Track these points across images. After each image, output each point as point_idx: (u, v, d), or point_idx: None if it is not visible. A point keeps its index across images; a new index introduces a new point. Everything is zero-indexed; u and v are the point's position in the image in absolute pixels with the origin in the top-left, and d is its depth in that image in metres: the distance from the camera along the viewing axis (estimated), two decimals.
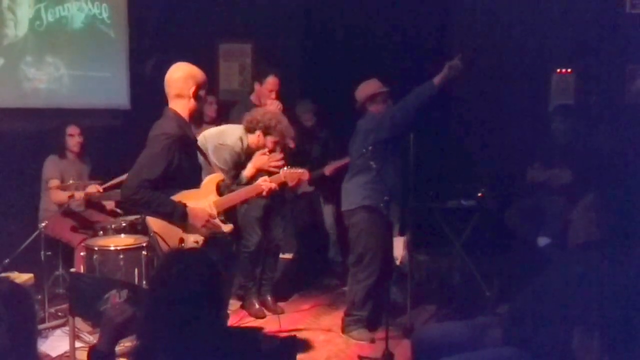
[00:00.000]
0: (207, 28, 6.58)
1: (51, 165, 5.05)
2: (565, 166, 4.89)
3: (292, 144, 4.95)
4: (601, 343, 2.63)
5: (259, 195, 3.80)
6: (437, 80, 4.19)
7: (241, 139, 4.13)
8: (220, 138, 4.12)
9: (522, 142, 5.41)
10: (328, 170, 5.64)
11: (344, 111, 5.07)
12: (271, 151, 4.11)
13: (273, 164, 3.97)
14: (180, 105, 3.29)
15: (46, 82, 5.55)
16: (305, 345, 4.38)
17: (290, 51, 6.51)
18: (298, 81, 6.35)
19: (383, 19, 6.15)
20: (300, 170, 3.93)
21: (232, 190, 3.67)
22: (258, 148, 4.15)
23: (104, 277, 3.89)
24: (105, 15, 6.11)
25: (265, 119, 4.10)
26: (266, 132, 4.11)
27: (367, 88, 4.57)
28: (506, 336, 3.06)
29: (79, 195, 4.92)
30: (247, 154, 4.15)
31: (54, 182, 4.94)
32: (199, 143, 3.81)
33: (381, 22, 6.16)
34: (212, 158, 3.91)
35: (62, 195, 4.88)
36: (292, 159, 5.32)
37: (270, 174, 3.98)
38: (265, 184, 3.74)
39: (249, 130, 4.15)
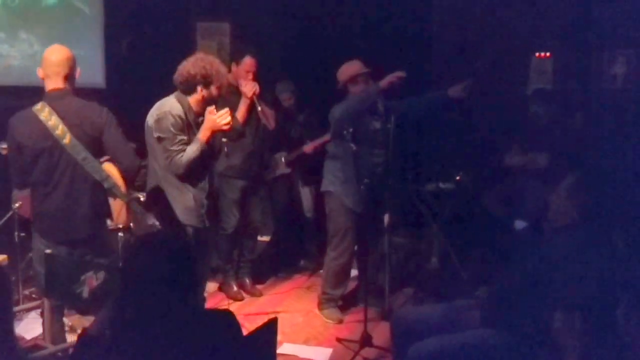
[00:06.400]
0: (184, 5, 6.46)
1: None
2: (543, 150, 4.91)
3: (271, 125, 4.90)
4: (582, 324, 2.67)
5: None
6: (383, 83, 4.31)
7: (179, 102, 3.68)
8: (158, 110, 3.68)
9: (501, 125, 5.42)
10: (308, 148, 5.59)
11: (324, 91, 5.04)
12: (218, 97, 3.71)
13: (223, 122, 3.63)
14: (70, 85, 3.45)
15: (19, 59, 5.44)
16: (284, 328, 4.38)
17: (269, 30, 6.42)
18: (277, 61, 6.28)
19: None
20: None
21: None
22: (205, 106, 3.69)
23: (80, 259, 3.83)
24: None
25: (198, 69, 3.61)
26: (207, 83, 3.64)
27: (349, 69, 4.57)
28: (485, 318, 3.10)
29: None
30: (198, 115, 3.72)
31: None
32: (147, 129, 3.69)
33: (362, 2, 6.11)
34: (156, 133, 3.61)
35: None
36: (271, 140, 5.32)
37: (226, 133, 3.83)
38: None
39: (187, 91, 3.66)
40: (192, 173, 3.66)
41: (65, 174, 3.37)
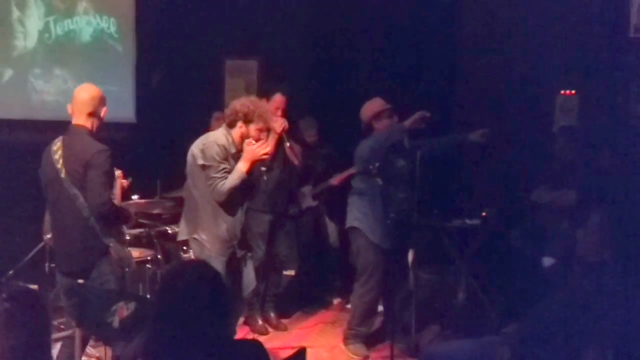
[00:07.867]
0: (213, 43, 6.61)
1: None
2: (569, 187, 4.90)
3: (297, 161, 4.96)
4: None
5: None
6: (407, 123, 4.40)
7: (225, 136, 3.93)
8: (204, 140, 3.94)
9: (527, 162, 5.42)
10: (335, 180, 5.64)
11: (349, 127, 5.11)
12: (257, 139, 3.91)
13: (262, 152, 3.85)
14: (90, 122, 3.55)
15: (54, 94, 5.59)
16: None
17: (296, 67, 6.54)
18: (303, 97, 6.37)
19: (389, 37, 6.20)
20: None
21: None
22: (244, 140, 3.93)
23: (112, 289, 3.87)
24: (113, 29, 6.15)
25: (242, 107, 3.91)
26: (247, 120, 3.89)
27: (372, 106, 4.64)
28: (515, 355, 3.07)
29: None
30: (238, 149, 3.94)
31: None
32: (190, 159, 3.89)
33: (387, 40, 6.21)
34: (201, 161, 3.82)
35: None
36: (297, 175, 5.37)
37: (264, 163, 4.06)
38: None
39: (231, 124, 3.94)
40: (232, 202, 3.83)
41: (64, 206, 3.51)
